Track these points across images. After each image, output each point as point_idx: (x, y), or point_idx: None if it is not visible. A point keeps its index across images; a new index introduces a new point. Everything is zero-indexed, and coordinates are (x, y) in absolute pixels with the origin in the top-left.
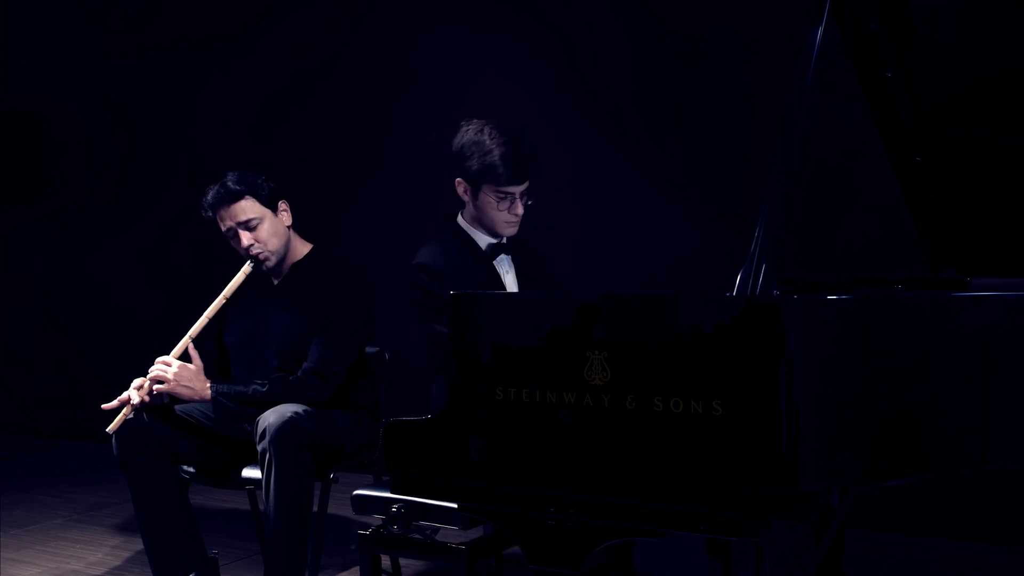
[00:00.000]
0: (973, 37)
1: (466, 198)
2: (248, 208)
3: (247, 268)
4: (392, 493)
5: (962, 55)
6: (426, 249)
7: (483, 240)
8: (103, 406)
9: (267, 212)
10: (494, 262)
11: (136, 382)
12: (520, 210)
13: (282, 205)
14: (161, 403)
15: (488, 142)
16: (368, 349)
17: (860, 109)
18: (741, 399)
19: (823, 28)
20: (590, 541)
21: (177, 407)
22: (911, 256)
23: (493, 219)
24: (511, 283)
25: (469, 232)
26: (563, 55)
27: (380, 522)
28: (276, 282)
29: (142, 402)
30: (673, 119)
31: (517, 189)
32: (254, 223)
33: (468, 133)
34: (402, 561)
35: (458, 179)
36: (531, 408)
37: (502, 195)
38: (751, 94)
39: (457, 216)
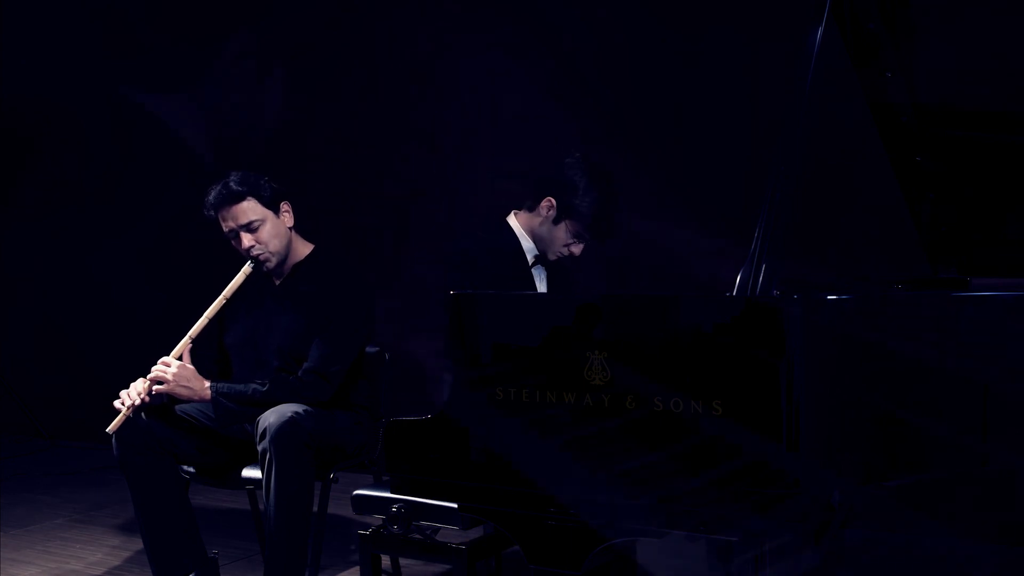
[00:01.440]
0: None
1: (544, 215)
2: (249, 210)
3: (247, 269)
4: (392, 493)
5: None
6: (482, 241)
7: (528, 247)
8: (115, 404)
9: (269, 214)
10: (532, 269)
11: (135, 383)
12: (579, 253)
13: (284, 206)
14: (161, 403)
15: (601, 197)
16: (368, 349)
17: (860, 109)
18: (741, 399)
19: (823, 28)
20: (590, 541)
21: (177, 407)
22: (911, 256)
23: (553, 245)
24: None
25: (519, 235)
26: (563, 55)
27: (380, 522)
28: (277, 282)
29: (142, 402)
30: (673, 119)
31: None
32: (255, 224)
33: (589, 175)
34: (402, 561)
35: (551, 198)
36: (531, 408)
37: (578, 237)
38: (751, 94)
39: (510, 215)
